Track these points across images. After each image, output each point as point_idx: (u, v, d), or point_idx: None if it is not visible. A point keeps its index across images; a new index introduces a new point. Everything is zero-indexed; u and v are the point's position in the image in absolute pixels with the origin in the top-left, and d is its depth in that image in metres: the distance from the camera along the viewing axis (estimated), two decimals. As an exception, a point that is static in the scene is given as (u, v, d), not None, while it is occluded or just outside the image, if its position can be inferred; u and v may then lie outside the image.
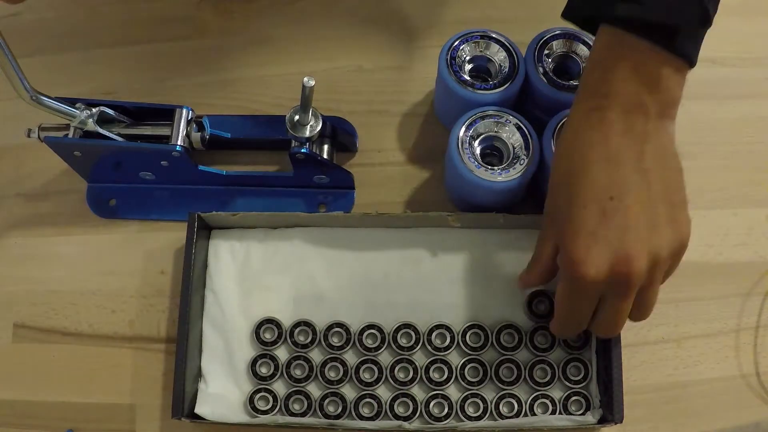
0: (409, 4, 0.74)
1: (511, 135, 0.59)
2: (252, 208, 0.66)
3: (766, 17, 0.73)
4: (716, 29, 0.71)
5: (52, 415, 0.62)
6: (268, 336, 0.61)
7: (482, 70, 0.64)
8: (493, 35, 0.63)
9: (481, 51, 0.63)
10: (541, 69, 0.60)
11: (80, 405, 0.62)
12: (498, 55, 0.63)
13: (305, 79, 0.56)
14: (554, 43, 0.62)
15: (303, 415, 0.59)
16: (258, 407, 0.59)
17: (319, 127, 0.60)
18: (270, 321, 0.61)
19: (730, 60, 0.71)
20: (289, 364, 0.60)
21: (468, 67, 0.63)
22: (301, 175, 0.65)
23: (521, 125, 0.59)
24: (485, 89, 0.61)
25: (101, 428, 0.61)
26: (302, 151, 0.61)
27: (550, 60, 0.61)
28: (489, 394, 0.59)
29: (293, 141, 0.62)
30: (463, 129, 0.59)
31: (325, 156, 0.64)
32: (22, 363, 0.64)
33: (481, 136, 0.59)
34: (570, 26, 0.57)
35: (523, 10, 0.73)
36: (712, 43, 0.71)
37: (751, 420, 0.60)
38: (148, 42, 0.74)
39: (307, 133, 0.60)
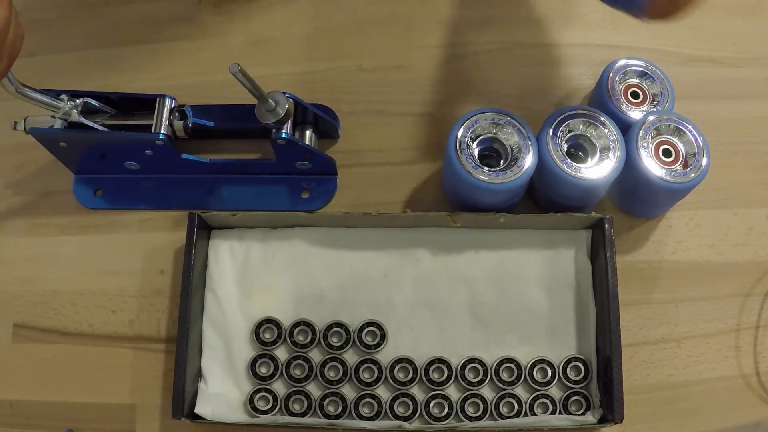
0: (409, 4, 0.74)
1: (509, 136, 0.59)
2: (237, 195, 0.67)
3: (766, 17, 0.73)
4: (716, 29, 0.72)
5: (52, 415, 0.62)
6: (267, 336, 0.61)
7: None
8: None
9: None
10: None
11: (80, 405, 0.62)
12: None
13: (230, 66, 0.53)
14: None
15: (303, 415, 0.59)
16: (258, 407, 0.59)
17: (283, 112, 0.59)
18: (270, 321, 0.61)
19: (730, 60, 0.71)
20: (288, 364, 0.60)
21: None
22: (283, 162, 0.65)
23: (519, 127, 0.59)
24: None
25: (101, 428, 0.62)
26: (282, 136, 0.61)
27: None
28: (489, 394, 0.59)
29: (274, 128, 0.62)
30: (462, 130, 0.59)
31: (307, 142, 0.65)
32: (22, 363, 0.64)
33: (480, 138, 0.59)
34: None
35: (524, 9, 0.73)
36: (712, 43, 0.71)
37: (751, 420, 0.60)
38: (148, 42, 0.74)
39: (272, 119, 0.60)
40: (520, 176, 0.57)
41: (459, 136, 0.59)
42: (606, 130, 0.59)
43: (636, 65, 0.64)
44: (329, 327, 0.61)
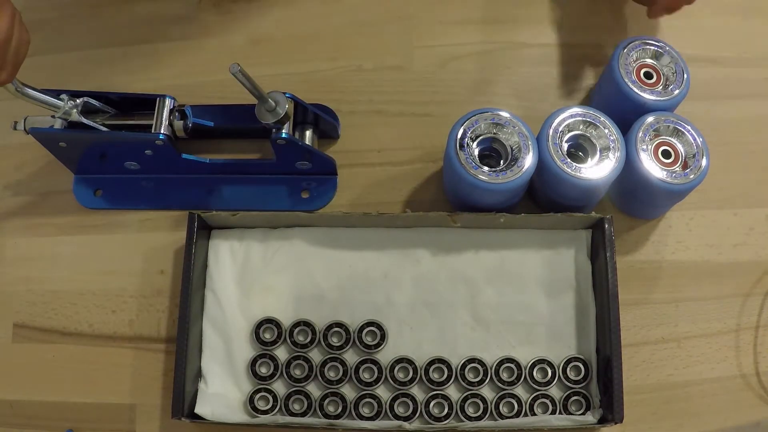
0: (409, 4, 0.74)
1: (509, 136, 0.59)
2: (237, 195, 0.67)
3: (766, 17, 0.73)
4: (716, 29, 0.72)
5: (52, 415, 0.62)
6: (267, 336, 0.61)
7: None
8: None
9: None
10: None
11: (80, 405, 0.62)
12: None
13: (230, 66, 0.54)
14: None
15: (303, 415, 0.59)
16: (258, 407, 0.59)
17: (283, 112, 0.59)
18: (270, 321, 0.61)
19: (730, 60, 0.71)
20: (288, 364, 0.60)
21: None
22: (283, 161, 0.65)
23: (519, 127, 0.59)
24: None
25: (101, 428, 0.62)
26: (282, 135, 0.61)
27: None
28: (489, 394, 0.59)
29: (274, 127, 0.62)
30: (462, 130, 0.59)
31: (307, 142, 0.65)
32: (22, 363, 0.64)
33: (480, 138, 0.59)
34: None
35: (523, 9, 0.73)
36: (712, 43, 0.71)
37: (751, 420, 0.60)
38: (148, 42, 0.74)
39: (272, 119, 0.60)
40: (520, 176, 0.57)
41: (459, 136, 0.59)
42: (606, 130, 0.59)
43: (652, 44, 0.62)
44: (329, 327, 0.61)
